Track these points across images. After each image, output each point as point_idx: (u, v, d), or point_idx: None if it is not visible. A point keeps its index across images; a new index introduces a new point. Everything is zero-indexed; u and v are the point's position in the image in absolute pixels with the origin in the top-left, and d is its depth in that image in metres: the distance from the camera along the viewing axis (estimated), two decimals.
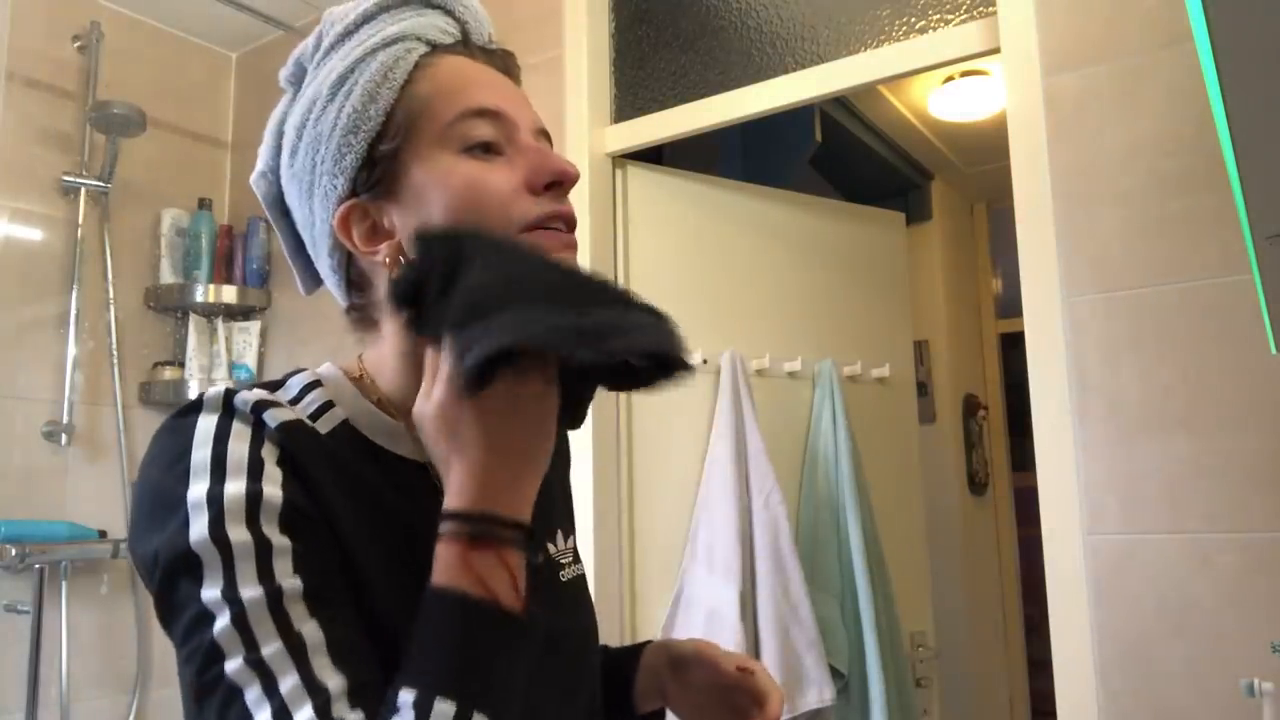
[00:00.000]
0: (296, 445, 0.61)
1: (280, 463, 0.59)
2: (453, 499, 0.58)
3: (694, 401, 2.01)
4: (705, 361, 2.01)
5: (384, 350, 0.70)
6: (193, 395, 2.41)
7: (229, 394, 0.61)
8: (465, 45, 0.72)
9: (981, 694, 3.05)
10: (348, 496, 0.61)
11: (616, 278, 1.99)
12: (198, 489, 0.57)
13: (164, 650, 2.32)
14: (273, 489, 0.58)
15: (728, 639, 1.81)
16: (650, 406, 1.98)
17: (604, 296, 0.61)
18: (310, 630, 0.55)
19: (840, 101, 2.61)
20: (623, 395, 1.96)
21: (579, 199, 1.95)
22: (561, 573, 0.77)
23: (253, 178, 0.76)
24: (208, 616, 0.54)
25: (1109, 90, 1.42)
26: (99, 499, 2.30)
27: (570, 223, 0.69)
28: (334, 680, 0.54)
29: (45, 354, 2.27)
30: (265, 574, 0.55)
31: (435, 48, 0.70)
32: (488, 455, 0.58)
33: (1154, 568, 1.31)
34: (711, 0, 1.99)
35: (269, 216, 0.77)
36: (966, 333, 3.38)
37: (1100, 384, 1.38)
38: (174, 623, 0.56)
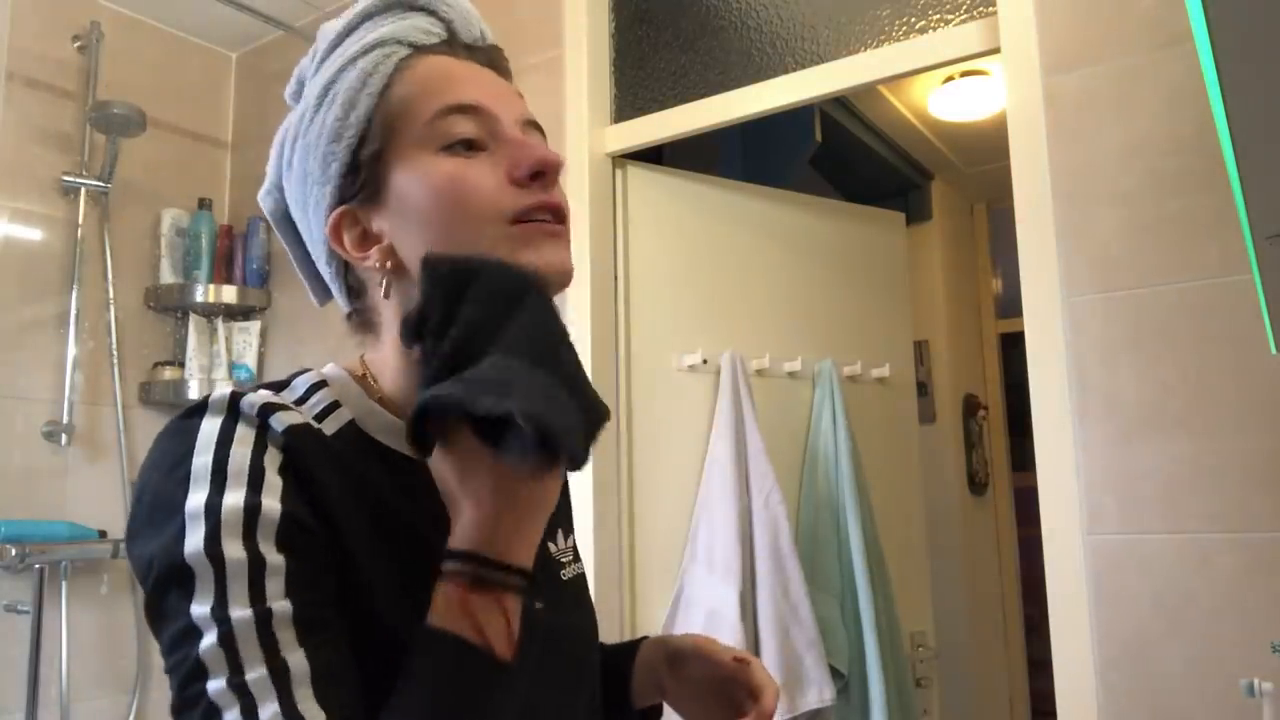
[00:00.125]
0: (302, 449, 0.60)
1: (283, 470, 0.59)
2: (459, 538, 0.58)
3: (694, 401, 2.01)
4: (705, 361, 2.01)
5: (385, 352, 0.71)
6: (193, 395, 2.42)
7: (235, 396, 0.61)
8: (449, 44, 0.72)
9: (981, 694, 3.05)
10: (353, 499, 0.61)
11: (616, 278, 1.99)
12: (196, 498, 0.56)
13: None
14: (271, 502, 0.57)
15: (728, 639, 1.81)
16: (650, 407, 1.98)
17: (561, 363, 0.60)
18: (296, 660, 0.54)
19: (840, 101, 2.61)
20: (623, 395, 1.96)
21: (579, 199, 1.95)
22: (562, 571, 0.77)
23: (260, 194, 0.77)
24: (195, 632, 0.53)
25: (1109, 90, 1.42)
26: (99, 499, 2.30)
27: (558, 212, 0.68)
28: (316, 715, 0.53)
29: (45, 354, 2.27)
30: (257, 594, 0.54)
31: (418, 49, 0.70)
32: (495, 499, 0.58)
33: (1153, 568, 1.31)
34: (711, 0, 1.99)
35: (277, 232, 0.77)
36: (966, 333, 3.38)
37: (1100, 384, 1.38)
38: (162, 630, 0.56)
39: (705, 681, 0.82)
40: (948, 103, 2.71)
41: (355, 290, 0.72)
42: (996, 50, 1.55)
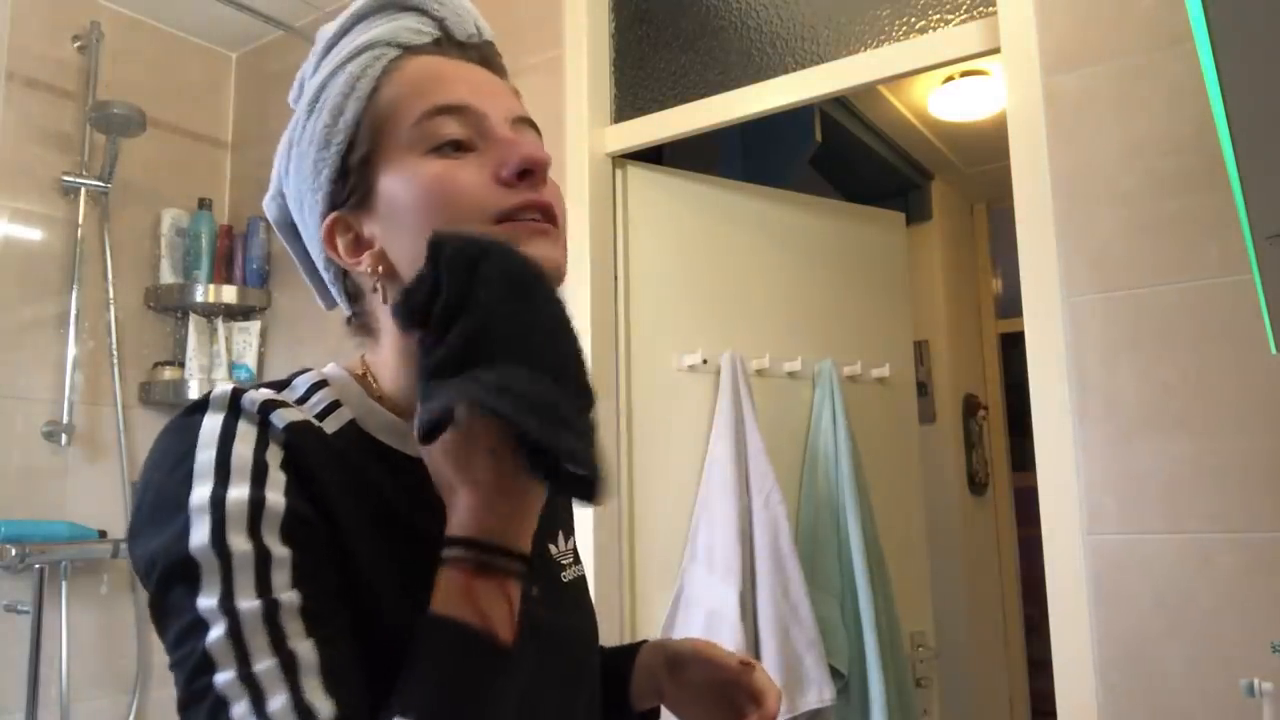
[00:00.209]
0: (303, 446, 0.60)
1: (285, 466, 0.59)
2: (459, 525, 0.58)
3: (694, 401, 2.01)
4: (705, 361, 2.01)
5: (384, 354, 0.70)
6: (193, 395, 2.42)
7: (236, 393, 0.61)
8: (439, 43, 0.71)
9: (981, 694, 3.05)
10: (354, 497, 0.61)
11: (616, 278, 1.99)
12: (200, 493, 0.56)
13: (163, 650, 2.32)
14: (276, 496, 0.57)
15: (728, 639, 1.81)
16: (650, 407, 1.98)
17: (572, 361, 0.60)
18: (305, 649, 0.54)
19: (840, 101, 2.60)
20: (623, 395, 1.96)
21: (579, 199, 1.95)
22: (563, 574, 0.77)
23: (265, 200, 0.77)
24: (201, 625, 0.53)
25: (1109, 90, 1.42)
26: (99, 499, 2.30)
27: (546, 211, 0.66)
28: (324, 705, 0.52)
29: (45, 354, 2.27)
30: (263, 586, 0.54)
31: (407, 50, 0.70)
32: (496, 485, 0.58)
33: (1153, 568, 1.31)
34: (711, 0, 1.99)
35: (282, 238, 0.77)
36: (966, 333, 3.38)
37: (1100, 384, 1.38)
38: (167, 627, 0.56)
39: (706, 685, 0.82)
40: (948, 103, 2.71)
41: (354, 294, 0.72)
42: (996, 50, 1.55)
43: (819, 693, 1.85)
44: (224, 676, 0.52)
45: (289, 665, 0.53)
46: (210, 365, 2.47)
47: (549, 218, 0.67)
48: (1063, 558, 1.38)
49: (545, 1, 2.08)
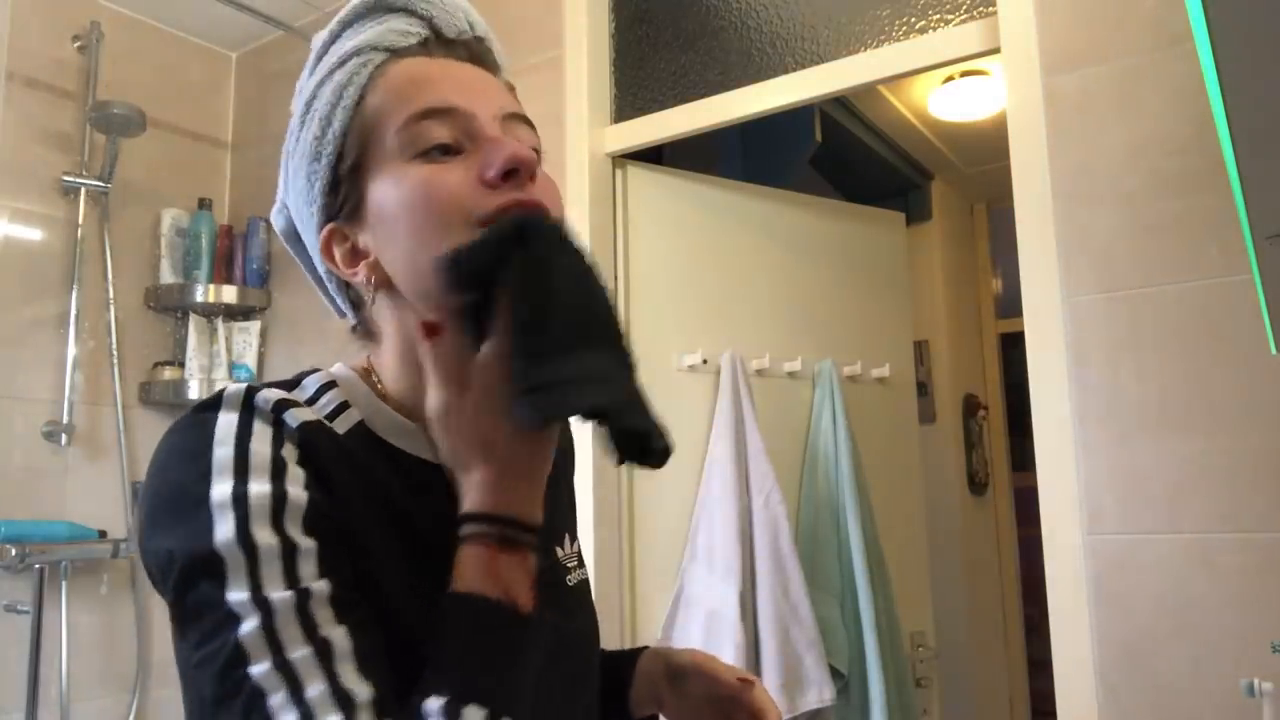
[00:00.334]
0: (317, 445, 0.60)
1: (301, 463, 0.59)
2: (476, 501, 0.59)
3: (694, 401, 2.01)
4: (705, 361, 2.01)
5: (386, 356, 0.70)
6: (193, 395, 2.41)
7: (250, 391, 0.61)
8: (426, 43, 0.70)
9: (981, 694, 3.05)
10: (365, 498, 0.61)
11: (616, 278, 1.99)
12: (221, 488, 0.56)
13: (164, 650, 2.31)
14: (297, 490, 0.57)
15: (728, 639, 1.81)
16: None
17: (618, 337, 0.62)
18: (338, 636, 0.54)
19: (840, 101, 2.60)
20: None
21: (579, 199, 1.95)
22: (567, 577, 0.76)
23: (272, 212, 0.76)
24: (232, 619, 0.53)
25: (1109, 90, 1.42)
26: (99, 499, 2.30)
27: (537, 209, 0.64)
28: (361, 689, 0.53)
29: (45, 354, 2.27)
30: (291, 577, 0.54)
31: (395, 53, 0.68)
32: (510, 459, 0.59)
33: (1154, 568, 1.31)
34: (711, 0, 1.99)
35: (289, 249, 0.76)
36: (966, 333, 3.38)
37: (1100, 384, 1.38)
38: (192, 624, 0.55)
39: (705, 699, 0.81)
40: (948, 103, 2.71)
41: (356, 303, 0.72)
42: (996, 50, 1.55)
43: (819, 693, 1.85)
44: (259, 668, 0.52)
45: (324, 652, 0.53)
46: (210, 365, 2.47)
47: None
48: (1063, 558, 1.38)
49: (545, 1, 2.08)
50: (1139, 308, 1.36)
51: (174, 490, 0.58)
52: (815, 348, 2.18)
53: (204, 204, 2.55)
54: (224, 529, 0.54)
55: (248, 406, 0.60)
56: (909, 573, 2.30)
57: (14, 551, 2.00)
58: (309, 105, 0.69)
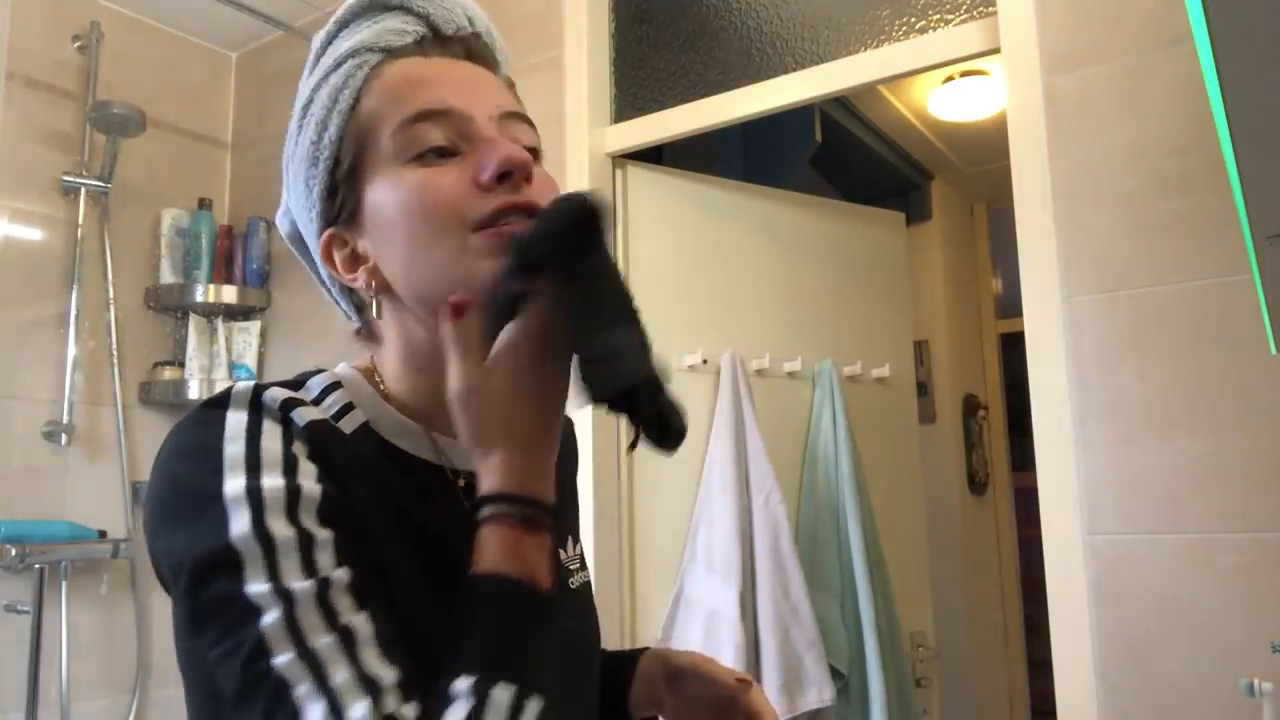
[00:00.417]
0: (325, 444, 0.60)
1: (312, 459, 0.59)
2: (498, 482, 0.59)
3: (694, 401, 2.01)
4: (705, 361, 2.01)
5: (388, 358, 0.70)
6: (193, 395, 2.40)
7: (258, 390, 0.61)
8: (422, 42, 0.69)
9: (981, 694, 3.05)
10: (374, 497, 0.61)
11: None
12: (234, 483, 0.56)
13: (164, 650, 2.31)
14: (310, 483, 0.57)
15: (728, 639, 1.81)
16: None
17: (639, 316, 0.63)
18: (360, 622, 0.54)
19: (840, 101, 2.60)
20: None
21: None
22: (570, 580, 0.76)
23: (277, 216, 0.76)
24: (253, 611, 0.53)
25: (1109, 90, 1.42)
26: (99, 499, 2.30)
27: (532, 211, 0.63)
28: (386, 673, 0.53)
29: (45, 354, 2.27)
30: (309, 567, 0.54)
31: (390, 53, 0.68)
32: (530, 442, 0.59)
33: (1154, 568, 1.31)
34: (711, 0, 1.99)
35: (295, 253, 0.76)
36: (966, 333, 3.38)
37: (1100, 384, 1.38)
38: (209, 621, 0.54)
39: (703, 701, 0.81)
40: (948, 103, 2.71)
41: (359, 306, 0.72)
42: (996, 50, 1.55)
43: (819, 693, 1.85)
44: (283, 659, 0.52)
45: (347, 639, 0.53)
46: (210, 365, 2.47)
47: (534, 217, 0.64)
48: (1063, 558, 1.38)
49: (545, 1, 2.08)
50: (1139, 308, 1.36)
51: (185, 487, 0.57)
52: (815, 348, 2.18)
53: (204, 204, 2.55)
54: (240, 523, 0.54)
55: (255, 405, 0.60)
56: (909, 573, 2.30)
57: (14, 551, 2.00)
58: (305, 109, 0.68)
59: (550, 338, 0.59)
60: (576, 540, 0.81)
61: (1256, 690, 1.15)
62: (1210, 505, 1.29)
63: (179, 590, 0.56)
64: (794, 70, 1.83)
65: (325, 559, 0.55)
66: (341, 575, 0.55)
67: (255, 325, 2.53)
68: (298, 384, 0.67)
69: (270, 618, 0.52)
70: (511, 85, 0.74)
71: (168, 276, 2.50)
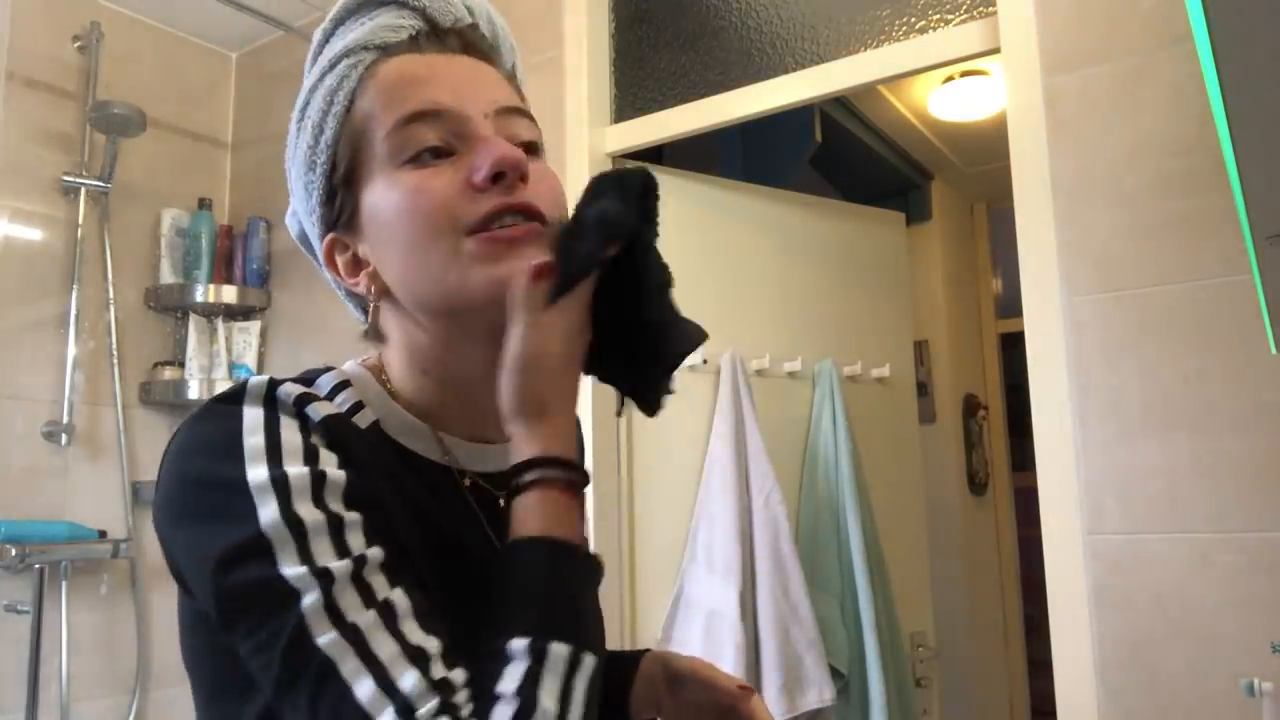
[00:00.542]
0: (342, 437, 0.60)
1: (331, 449, 0.59)
2: (544, 446, 0.60)
3: (694, 401, 2.01)
4: (705, 362, 2.01)
5: (392, 357, 0.70)
6: (193, 395, 2.39)
7: (273, 384, 0.60)
8: (418, 38, 0.67)
9: (981, 694, 3.05)
10: (391, 492, 0.61)
11: None
12: (258, 473, 0.55)
13: (164, 650, 2.32)
14: (333, 470, 0.58)
15: (728, 639, 1.81)
16: None
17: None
18: (397, 596, 0.54)
19: (840, 101, 2.60)
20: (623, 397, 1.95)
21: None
22: None
23: (286, 217, 0.76)
24: (290, 595, 0.52)
25: (1109, 90, 1.42)
26: (99, 499, 2.30)
27: (527, 211, 0.63)
28: (430, 642, 0.53)
29: (45, 354, 2.27)
30: (341, 548, 0.55)
31: (385, 51, 0.66)
32: (573, 407, 0.62)
33: (1154, 568, 1.31)
34: (711, 0, 1.99)
35: (306, 254, 0.76)
36: (966, 333, 3.38)
37: (1100, 384, 1.38)
38: (241, 611, 0.54)
39: (703, 706, 0.81)
40: (948, 103, 2.71)
41: (364, 306, 0.71)
42: (996, 50, 1.55)
43: (819, 693, 1.85)
44: (326, 638, 0.52)
45: (387, 614, 0.53)
46: (210, 365, 2.47)
47: (531, 216, 0.63)
48: (1063, 558, 1.38)
49: (545, 1, 2.08)
50: (1139, 308, 1.36)
51: (206, 480, 0.57)
52: (815, 348, 2.18)
53: (204, 204, 2.55)
54: (268, 511, 0.54)
55: (271, 400, 0.60)
56: (909, 573, 2.30)
57: (14, 551, 2.00)
58: (303, 112, 0.68)
59: (589, 308, 0.62)
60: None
61: (1256, 690, 1.15)
62: (1210, 505, 1.29)
63: (205, 584, 0.55)
64: (794, 70, 1.83)
65: (356, 540, 0.55)
66: (375, 553, 0.55)
67: (255, 325, 2.53)
68: (307, 381, 0.66)
69: (309, 599, 0.52)
70: (511, 78, 0.72)
71: (168, 276, 2.50)
